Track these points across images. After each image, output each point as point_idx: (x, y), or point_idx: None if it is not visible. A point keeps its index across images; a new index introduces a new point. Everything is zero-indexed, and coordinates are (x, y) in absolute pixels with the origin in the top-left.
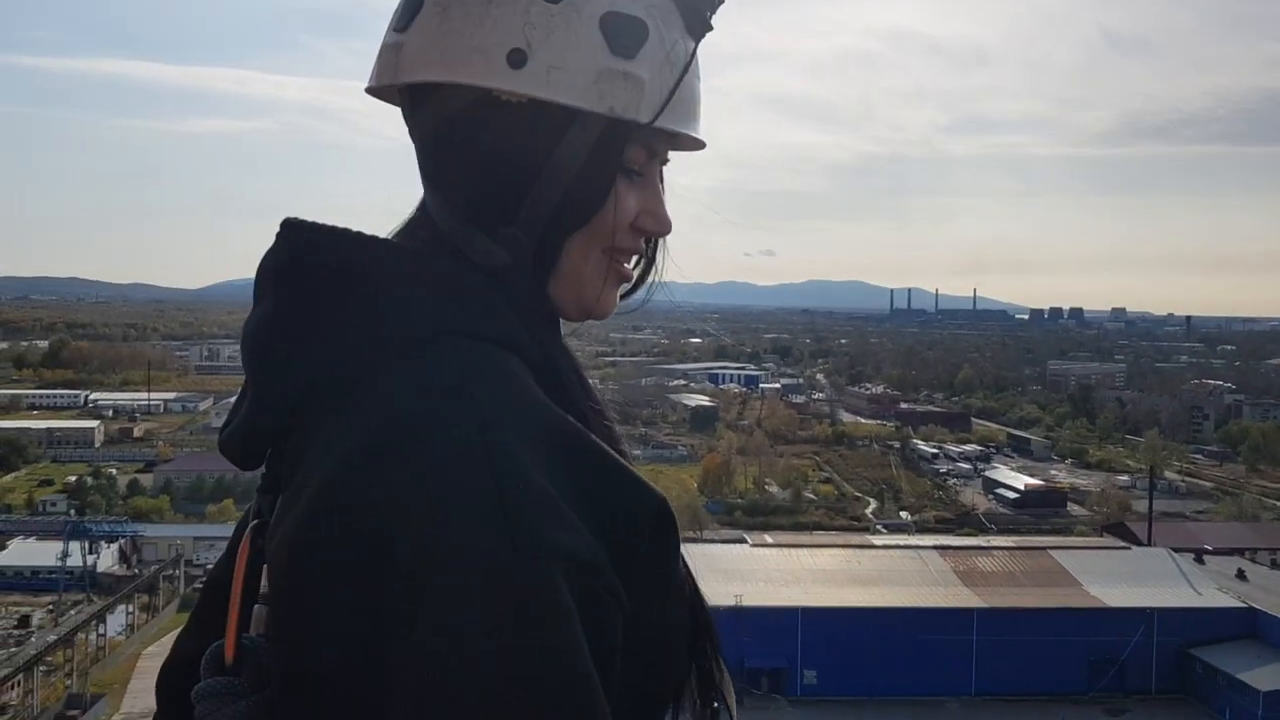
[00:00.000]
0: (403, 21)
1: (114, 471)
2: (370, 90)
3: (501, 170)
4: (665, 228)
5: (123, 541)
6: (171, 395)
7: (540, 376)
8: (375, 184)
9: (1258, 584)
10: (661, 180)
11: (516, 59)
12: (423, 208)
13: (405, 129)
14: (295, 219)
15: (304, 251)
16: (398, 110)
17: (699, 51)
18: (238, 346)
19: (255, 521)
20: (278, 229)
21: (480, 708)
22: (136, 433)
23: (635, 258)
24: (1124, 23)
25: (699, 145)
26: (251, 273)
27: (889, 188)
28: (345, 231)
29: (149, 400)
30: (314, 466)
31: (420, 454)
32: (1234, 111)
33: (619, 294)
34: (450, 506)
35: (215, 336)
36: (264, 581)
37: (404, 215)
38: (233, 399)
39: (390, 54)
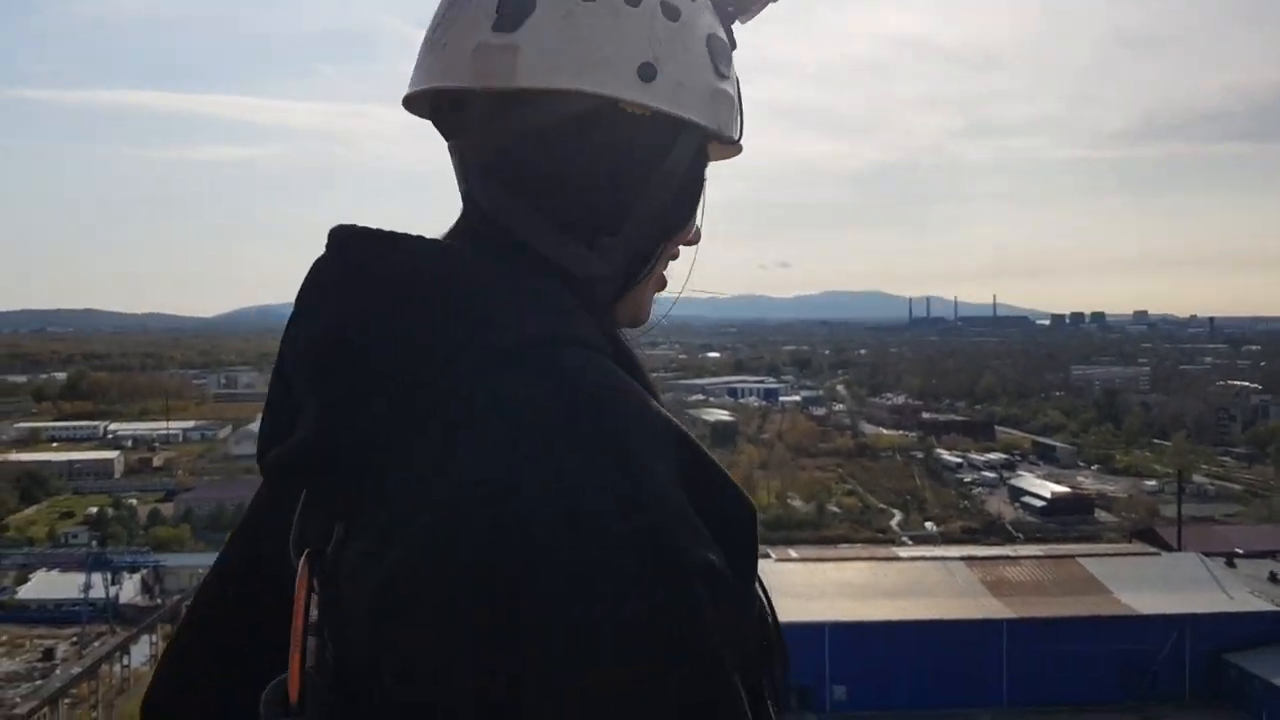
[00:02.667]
0: (509, 22)
1: (134, 502)
2: (425, 93)
3: (614, 179)
4: (699, 235)
5: (145, 572)
6: (190, 424)
7: None
8: (387, 205)
9: None
10: None
11: (647, 73)
12: (476, 215)
13: (412, 149)
14: (347, 225)
15: (368, 259)
16: (410, 133)
17: None
18: (256, 373)
19: (308, 550)
20: (328, 237)
21: None
22: (156, 462)
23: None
24: (1136, 21)
25: (728, 154)
26: (269, 299)
27: (904, 195)
28: (405, 236)
29: (168, 429)
30: (424, 487)
31: (555, 469)
32: (1251, 108)
33: None
34: (590, 523)
35: (233, 364)
36: (314, 611)
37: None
38: (252, 425)
39: (499, 55)
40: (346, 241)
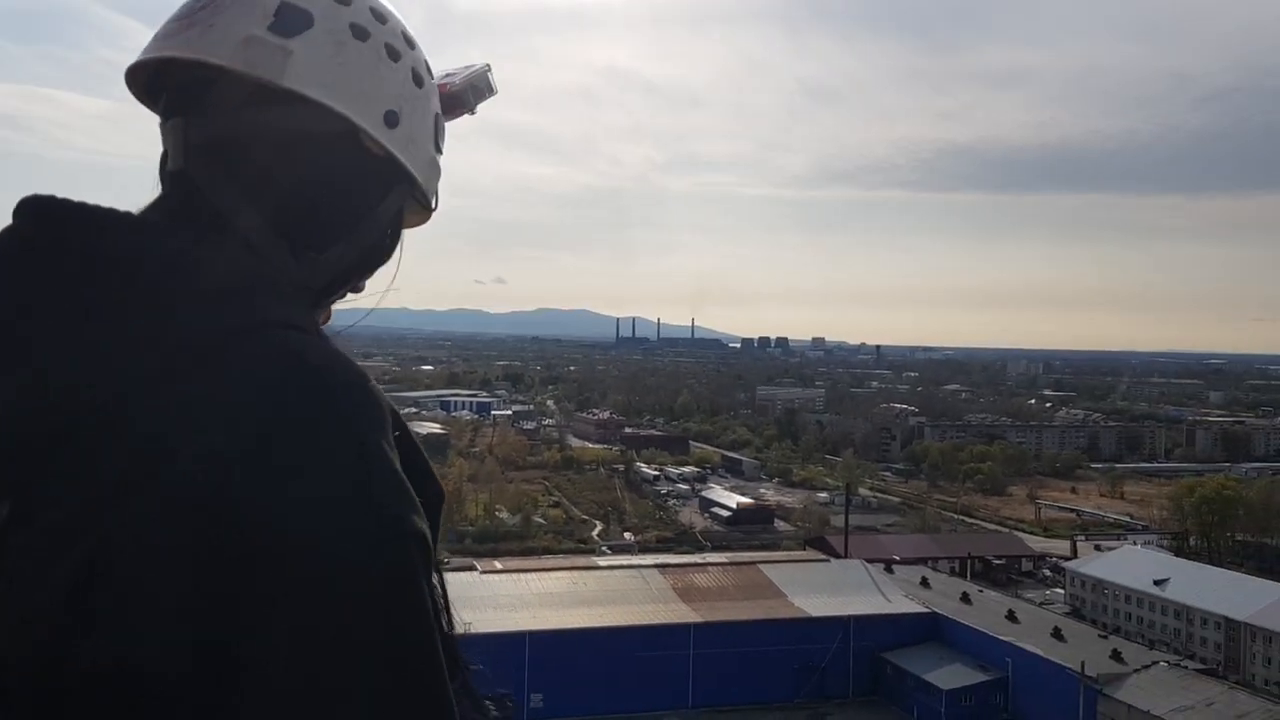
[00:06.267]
0: (286, 29)
1: None
2: (158, 64)
3: (337, 203)
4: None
5: None
6: None
7: None
8: (70, 196)
9: (939, 590)
10: None
11: (391, 119)
12: (181, 195)
13: (101, 140)
14: (43, 196)
15: (69, 233)
16: (98, 123)
17: None
18: None
19: None
20: (20, 208)
21: (347, 693)
22: None
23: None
24: (818, 74)
25: (414, 223)
26: None
27: (611, 220)
28: (110, 211)
29: None
30: (145, 463)
31: (286, 441)
32: (912, 160)
33: None
34: (321, 491)
35: None
36: None
37: None
38: None
39: (272, 53)
40: (41, 213)
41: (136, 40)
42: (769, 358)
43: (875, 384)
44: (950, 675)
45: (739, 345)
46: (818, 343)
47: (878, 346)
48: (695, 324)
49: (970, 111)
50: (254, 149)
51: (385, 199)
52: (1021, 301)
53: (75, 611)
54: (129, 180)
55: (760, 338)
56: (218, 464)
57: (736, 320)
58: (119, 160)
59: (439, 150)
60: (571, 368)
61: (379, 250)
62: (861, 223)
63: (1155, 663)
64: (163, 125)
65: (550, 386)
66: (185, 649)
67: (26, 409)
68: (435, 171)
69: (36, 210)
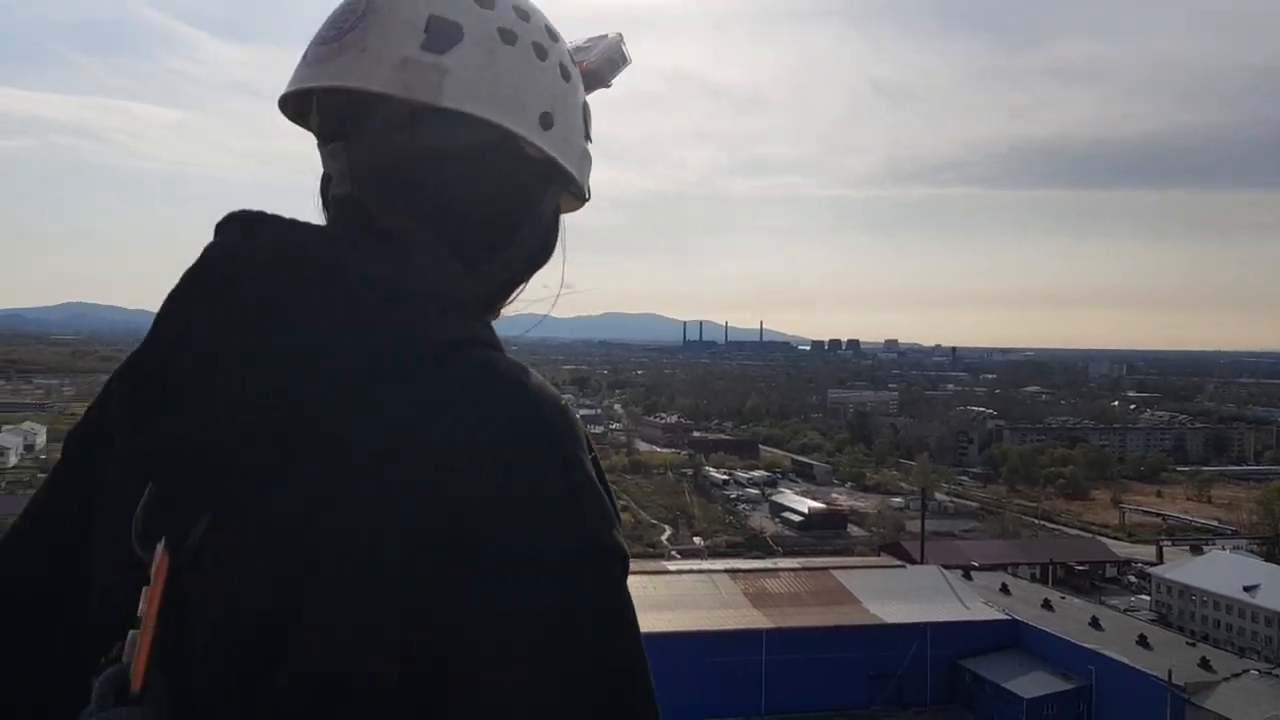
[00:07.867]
0: (438, 45)
1: None
2: (309, 90)
3: (500, 212)
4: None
5: None
6: None
7: None
8: (144, 207)
9: (1019, 597)
10: None
11: (546, 121)
12: (355, 221)
13: (174, 150)
14: (250, 211)
15: (286, 247)
16: (169, 133)
17: None
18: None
19: (166, 537)
20: (228, 222)
21: (560, 712)
22: None
23: None
24: (889, 72)
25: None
26: (8, 301)
27: (677, 224)
28: (317, 227)
29: None
30: (357, 481)
31: (502, 461)
32: (985, 157)
33: None
34: (534, 512)
35: None
36: (144, 604)
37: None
38: None
39: (428, 73)
40: (248, 227)
41: (206, 51)
42: (840, 360)
43: (951, 386)
44: (1031, 683)
45: (808, 348)
46: (890, 344)
47: (953, 348)
48: (764, 327)
49: (1045, 107)
50: (418, 169)
51: (544, 199)
52: (1103, 301)
53: (282, 622)
54: (200, 190)
55: (830, 340)
56: (430, 479)
57: (805, 323)
58: (191, 170)
59: (589, 139)
60: (639, 372)
61: (543, 251)
62: (934, 221)
63: (1246, 671)
64: (322, 149)
65: (617, 390)
66: (395, 663)
67: (232, 419)
68: (587, 162)
69: (244, 224)
